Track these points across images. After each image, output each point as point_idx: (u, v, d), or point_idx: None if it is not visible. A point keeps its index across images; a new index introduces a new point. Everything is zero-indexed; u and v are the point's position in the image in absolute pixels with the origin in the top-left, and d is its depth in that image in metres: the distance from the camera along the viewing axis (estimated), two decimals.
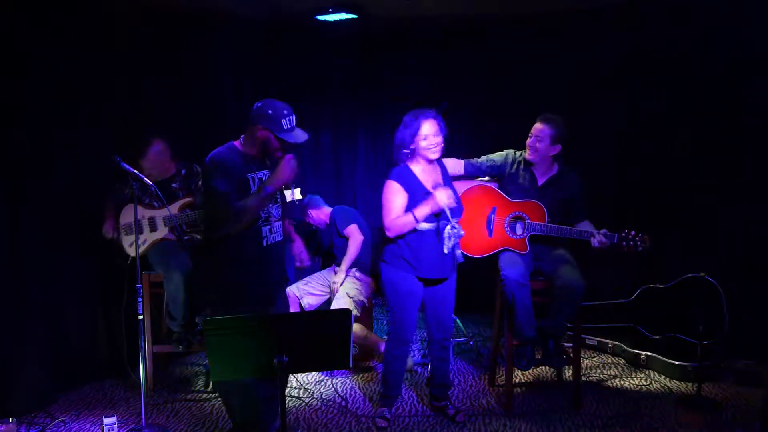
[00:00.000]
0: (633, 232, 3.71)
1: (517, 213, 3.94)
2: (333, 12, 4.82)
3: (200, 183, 4.36)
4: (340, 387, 4.32)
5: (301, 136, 3.24)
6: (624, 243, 3.72)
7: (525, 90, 5.46)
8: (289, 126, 3.20)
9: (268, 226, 3.29)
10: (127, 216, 4.16)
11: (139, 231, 4.16)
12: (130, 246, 4.14)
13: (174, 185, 4.32)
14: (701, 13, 4.62)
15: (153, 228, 4.22)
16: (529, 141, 3.92)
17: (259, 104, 3.23)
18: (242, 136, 3.27)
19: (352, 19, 4.95)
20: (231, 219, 3.12)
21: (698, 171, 4.79)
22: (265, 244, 3.27)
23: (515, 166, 3.98)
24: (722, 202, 4.65)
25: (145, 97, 4.66)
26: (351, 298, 4.47)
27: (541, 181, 3.96)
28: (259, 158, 3.27)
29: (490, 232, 3.99)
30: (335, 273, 4.65)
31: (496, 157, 4.05)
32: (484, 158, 4.07)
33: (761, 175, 4.50)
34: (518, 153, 4.02)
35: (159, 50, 4.68)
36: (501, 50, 5.54)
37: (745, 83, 4.53)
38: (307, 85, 5.74)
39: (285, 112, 3.19)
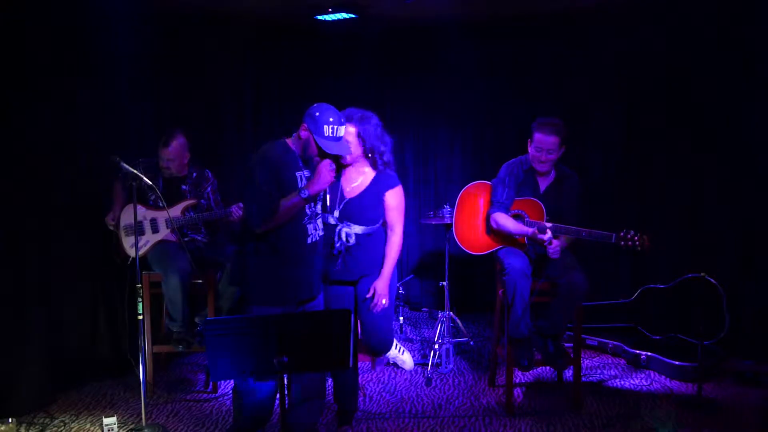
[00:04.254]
0: (632, 232, 3.71)
1: (516, 211, 3.94)
2: (333, 12, 4.82)
3: (209, 189, 4.38)
4: None
5: (338, 148, 3.19)
6: (622, 243, 3.71)
7: (525, 90, 5.46)
8: (330, 134, 3.16)
9: (313, 224, 3.30)
10: (127, 217, 4.14)
11: (141, 232, 4.15)
12: (131, 247, 4.13)
13: (184, 187, 4.32)
14: (701, 12, 4.63)
15: (155, 229, 4.22)
16: (539, 155, 3.84)
17: (315, 105, 3.23)
18: (294, 133, 3.28)
19: (352, 19, 4.95)
20: (268, 216, 3.11)
21: (698, 170, 4.79)
22: (309, 241, 3.28)
23: (520, 176, 3.97)
24: (723, 202, 4.65)
25: (144, 97, 4.66)
26: None
27: (542, 188, 3.96)
28: (303, 157, 3.27)
29: (489, 230, 4.00)
30: None
31: (507, 178, 3.97)
32: (501, 190, 3.96)
33: (762, 175, 4.50)
34: (522, 160, 3.99)
35: (157, 50, 4.67)
36: (501, 51, 5.54)
37: (746, 82, 4.53)
38: (306, 85, 5.74)
39: (331, 119, 3.17)
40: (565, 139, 3.85)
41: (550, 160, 3.87)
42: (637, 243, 3.68)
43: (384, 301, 3.50)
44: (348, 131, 3.39)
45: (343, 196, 3.51)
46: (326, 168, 3.14)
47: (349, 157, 3.46)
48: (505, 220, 3.91)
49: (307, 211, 3.26)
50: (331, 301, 3.58)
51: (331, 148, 3.17)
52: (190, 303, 4.21)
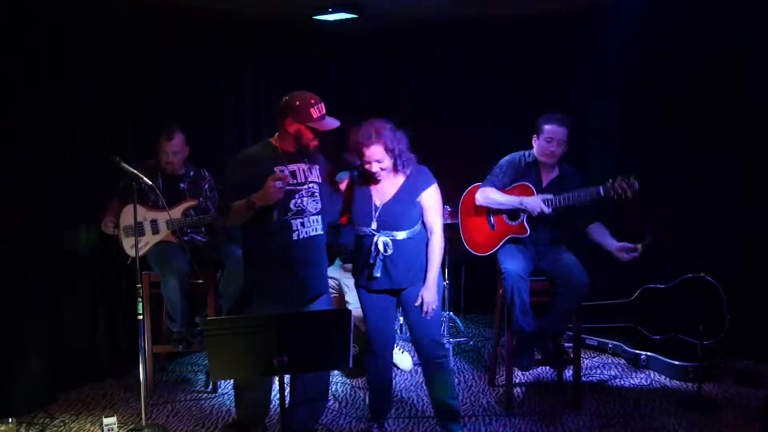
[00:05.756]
0: (618, 180, 3.69)
1: None
2: (333, 12, 4.81)
3: (206, 187, 4.39)
4: (340, 388, 4.32)
5: (332, 122, 3.20)
6: (612, 193, 3.69)
7: (526, 90, 5.45)
8: (319, 114, 3.16)
9: (300, 220, 3.23)
10: (128, 218, 4.13)
11: (141, 233, 4.14)
12: (131, 248, 4.12)
13: (182, 185, 4.33)
14: (700, 11, 4.63)
15: (155, 230, 4.22)
16: (549, 146, 3.84)
17: (286, 98, 3.20)
18: (276, 133, 3.26)
19: (352, 19, 4.95)
20: (223, 214, 3.26)
21: (698, 170, 4.79)
22: (295, 237, 3.23)
23: (522, 168, 3.97)
24: (723, 202, 4.65)
25: (144, 97, 4.66)
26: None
27: (545, 182, 3.96)
28: (296, 151, 3.24)
29: (492, 226, 4.00)
30: (343, 270, 4.72)
31: (507, 165, 3.99)
32: (498, 171, 3.99)
33: (762, 174, 4.50)
34: (526, 153, 4.00)
35: (158, 50, 4.67)
36: (501, 50, 5.54)
37: (746, 81, 4.53)
38: (306, 85, 5.72)
39: (312, 101, 3.17)
40: (571, 136, 3.87)
41: (558, 153, 3.87)
42: (628, 190, 3.66)
43: (433, 307, 3.37)
44: (375, 150, 3.23)
45: (375, 205, 3.35)
46: (272, 186, 3.05)
47: (384, 172, 3.31)
48: (494, 194, 3.91)
49: (292, 206, 3.21)
50: (370, 311, 3.48)
51: (327, 125, 3.18)
52: (190, 303, 4.21)
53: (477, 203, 3.98)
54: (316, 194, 3.31)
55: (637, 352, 4.61)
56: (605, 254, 3.86)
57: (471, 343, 5.03)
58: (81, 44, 4.25)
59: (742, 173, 4.58)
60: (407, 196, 3.36)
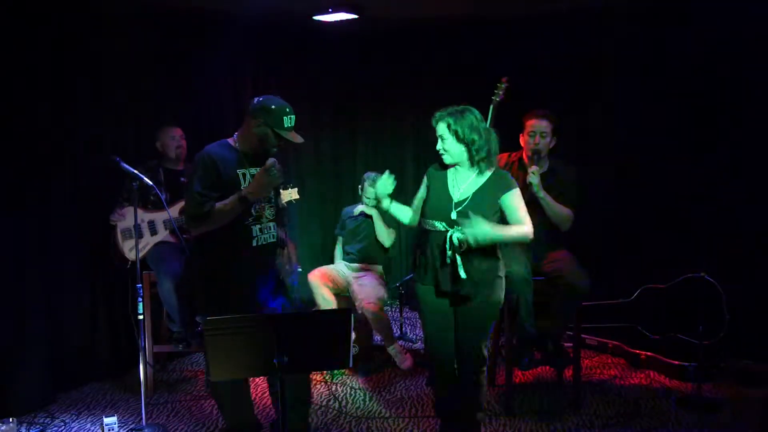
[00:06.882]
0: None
1: None
2: (333, 12, 4.82)
3: None
4: (340, 388, 4.32)
5: (297, 137, 3.19)
6: (497, 98, 3.91)
7: (526, 90, 5.44)
8: (289, 125, 3.15)
9: (259, 226, 3.20)
10: (126, 220, 4.13)
11: (139, 235, 4.14)
12: (130, 251, 4.12)
13: (182, 179, 4.35)
14: (700, 11, 4.63)
15: (153, 231, 4.22)
16: (532, 140, 3.90)
17: (260, 99, 3.18)
18: (236, 132, 3.23)
19: (352, 19, 4.95)
20: (199, 219, 3.09)
21: (698, 170, 4.79)
22: (255, 243, 3.19)
23: (509, 168, 3.97)
24: (722, 202, 4.65)
25: (144, 97, 4.66)
26: (378, 298, 4.52)
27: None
28: (254, 154, 3.18)
29: None
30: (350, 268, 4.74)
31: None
32: None
33: (761, 174, 4.50)
34: (510, 155, 4.03)
35: (157, 50, 4.67)
36: (501, 51, 5.53)
37: (745, 82, 4.53)
38: (306, 85, 5.74)
39: (287, 110, 3.15)
40: (557, 130, 3.91)
41: (542, 146, 3.89)
42: (500, 88, 3.93)
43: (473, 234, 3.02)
44: (440, 126, 3.17)
45: (454, 201, 3.17)
46: (266, 175, 3.02)
47: (446, 155, 3.18)
48: None
49: (252, 211, 3.16)
50: (430, 315, 3.31)
51: (294, 137, 3.16)
52: (189, 303, 4.21)
53: None
54: (272, 200, 3.27)
55: (637, 352, 4.61)
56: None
57: None
58: (81, 44, 4.25)
59: (743, 172, 4.58)
60: (487, 198, 3.17)
